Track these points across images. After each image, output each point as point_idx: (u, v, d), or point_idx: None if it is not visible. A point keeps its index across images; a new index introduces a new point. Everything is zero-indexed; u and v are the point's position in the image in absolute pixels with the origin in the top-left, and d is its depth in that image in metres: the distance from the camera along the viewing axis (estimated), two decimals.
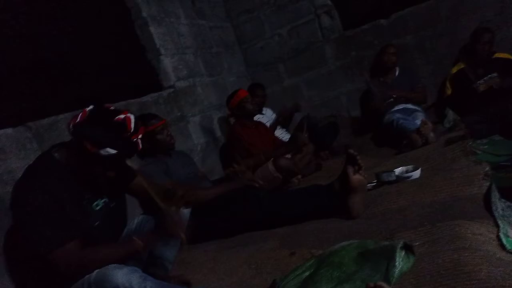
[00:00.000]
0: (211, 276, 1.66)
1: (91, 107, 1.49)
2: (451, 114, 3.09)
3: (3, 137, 1.78)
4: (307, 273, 1.38)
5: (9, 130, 1.80)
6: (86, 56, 3.18)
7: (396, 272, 1.22)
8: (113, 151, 1.43)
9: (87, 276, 1.32)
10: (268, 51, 4.26)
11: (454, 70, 3.38)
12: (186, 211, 1.83)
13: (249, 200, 2.10)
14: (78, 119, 1.46)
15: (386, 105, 3.33)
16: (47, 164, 1.46)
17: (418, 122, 2.87)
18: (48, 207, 1.36)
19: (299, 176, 2.82)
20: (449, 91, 3.42)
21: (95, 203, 1.54)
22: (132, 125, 1.47)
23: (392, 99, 3.35)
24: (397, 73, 3.56)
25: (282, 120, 3.64)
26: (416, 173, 2.14)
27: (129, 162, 1.66)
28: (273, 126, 3.54)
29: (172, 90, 3.07)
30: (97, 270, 1.31)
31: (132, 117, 1.48)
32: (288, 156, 2.90)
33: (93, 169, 1.48)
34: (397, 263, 1.23)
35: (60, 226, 1.36)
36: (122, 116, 1.46)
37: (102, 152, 1.42)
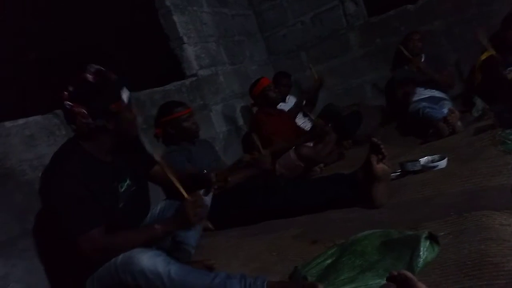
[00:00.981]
0: (233, 262, 1.69)
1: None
2: (479, 103, 2.99)
3: (33, 124, 1.84)
4: (329, 261, 1.38)
5: (38, 118, 1.86)
6: (111, 45, 3.24)
7: (420, 262, 1.20)
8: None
9: (113, 259, 1.37)
10: (290, 39, 4.21)
11: (483, 57, 3.26)
12: (207, 198, 1.85)
13: (271, 188, 2.11)
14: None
15: (412, 92, 3.24)
16: (73, 150, 1.51)
17: (445, 110, 2.80)
18: (74, 194, 1.40)
19: (321, 165, 2.81)
20: (478, 79, 3.30)
21: (120, 184, 1.58)
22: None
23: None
24: (422, 59, 3.46)
25: (306, 102, 3.57)
26: (443, 163, 2.09)
27: (152, 150, 1.68)
28: (295, 110, 3.49)
29: (194, 78, 3.09)
30: (122, 254, 1.36)
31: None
32: (310, 144, 2.88)
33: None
34: (421, 253, 1.21)
35: (86, 212, 1.40)
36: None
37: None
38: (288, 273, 1.44)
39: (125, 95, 1.50)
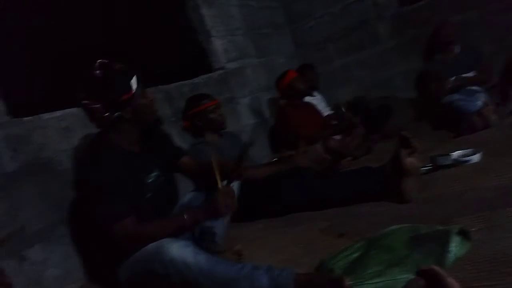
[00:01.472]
0: (260, 253, 1.70)
1: None
2: None
3: (68, 117, 1.91)
4: (355, 255, 1.37)
5: (74, 110, 1.93)
6: (140, 39, 3.30)
7: (451, 258, 1.18)
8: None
9: (144, 248, 1.41)
10: (318, 31, 4.16)
11: None
12: (235, 187, 1.88)
13: (298, 181, 2.11)
14: None
15: (446, 89, 3.13)
16: (101, 142, 1.57)
17: (480, 103, 2.70)
18: (108, 185, 1.45)
19: (349, 158, 2.78)
20: None
21: (148, 175, 1.63)
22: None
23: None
24: (457, 51, 3.34)
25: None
26: (476, 157, 2.02)
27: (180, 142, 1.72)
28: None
29: (222, 71, 3.11)
30: (153, 243, 1.40)
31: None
32: (338, 137, 2.86)
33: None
34: (451, 249, 1.19)
35: (118, 202, 1.45)
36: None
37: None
38: (314, 266, 1.44)
39: (134, 83, 1.54)
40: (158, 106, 1.76)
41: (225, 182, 1.64)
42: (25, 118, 1.75)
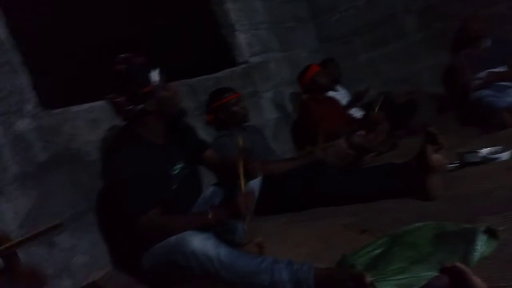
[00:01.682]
0: (281, 247, 1.71)
1: None
2: None
3: (96, 109, 1.97)
4: (378, 251, 1.36)
5: (101, 103, 1.97)
6: (165, 33, 3.35)
7: (476, 256, 1.15)
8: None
9: (167, 239, 1.45)
10: (343, 24, 4.10)
11: None
12: (256, 184, 1.89)
13: (320, 176, 2.10)
14: None
15: (475, 84, 3.04)
16: (127, 134, 1.61)
17: (510, 99, 2.61)
18: (134, 176, 1.49)
19: (373, 154, 2.74)
20: None
21: (173, 167, 1.66)
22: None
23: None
24: (487, 45, 3.22)
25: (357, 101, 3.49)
26: (506, 155, 1.96)
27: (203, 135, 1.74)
28: (348, 107, 3.43)
29: (245, 65, 3.12)
30: (175, 236, 1.43)
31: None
32: (362, 133, 2.82)
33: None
34: (477, 247, 1.16)
35: (144, 195, 1.49)
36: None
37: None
38: (336, 261, 1.44)
39: (155, 75, 1.57)
40: (181, 98, 1.78)
41: (247, 183, 1.66)
42: (56, 110, 1.81)
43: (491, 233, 1.23)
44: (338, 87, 3.66)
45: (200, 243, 1.36)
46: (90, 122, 1.93)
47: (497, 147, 2.05)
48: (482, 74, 3.05)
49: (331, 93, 3.35)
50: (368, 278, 1.12)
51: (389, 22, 3.88)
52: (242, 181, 1.60)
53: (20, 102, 1.68)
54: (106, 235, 1.87)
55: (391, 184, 1.90)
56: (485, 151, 2.03)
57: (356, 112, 3.45)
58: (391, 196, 1.90)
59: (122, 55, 1.54)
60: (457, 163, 2.07)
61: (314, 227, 1.84)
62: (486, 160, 1.99)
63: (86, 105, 1.94)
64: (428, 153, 1.77)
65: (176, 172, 1.67)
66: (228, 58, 3.13)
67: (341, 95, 3.57)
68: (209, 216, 1.51)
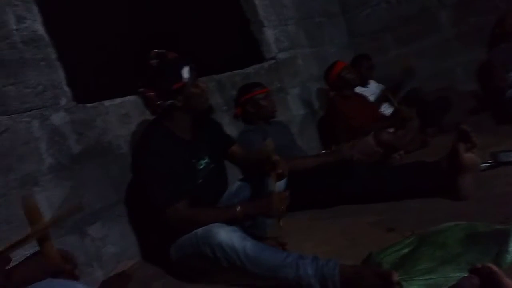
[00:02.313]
0: (306, 243, 1.71)
1: None
2: None
3: (127, 103, 2.02)
4: (406, 250, 1.33)
5: (132, 98, 2.03)
6: (194, 29, 3.39)
7: (509, 258, 1.11)
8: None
9: (194, 231, 1.47)
10: (374, 19, 4.01)
11: None
12: (281, 181, 1.89)
13: (347, 173, 2.07)
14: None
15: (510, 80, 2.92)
16: (156, 129, 1.64)
17: None
18: (162, 170, 1.53)
19: (402, 152, 2.68)
20: None
21: (199, 162, 1.68)
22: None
23: None
24: None
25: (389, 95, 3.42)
26: None
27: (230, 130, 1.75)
28: (378, 102, 3.36)
29: (273, 61, 3.12)
30: (202, 228, 1.45)
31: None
32: (391, 130, 2.76)
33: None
34: (510, 249, 1.12)
35: (172, 187, 1.52)
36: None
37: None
38: (361, 259, 1.43)
39: (186, 72, 1.59)
40: (210, 95, 1.80)
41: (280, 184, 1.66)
42: (89, 104, 1.88)
43: None
44: (371, 82, 3.57)
45: (227, 235, 1.38)
46: (121, 116, 1.98)
47: None
48: None
49: (359, 90, 3.29)
50: (396, 277, 1.10)
51: (422, 17, 3.77)
52: (274, 181, 1.61)
53: (55, 96, 1.75)
54: (135, 226, 1.92)
55: (421, 183, 1.86)
56: None
57: (386, 109, 3.38)
58: (420, 195, 1.85)
59: (157, 51, 1.58)
60: (490, 163, 1.99)
61: (340, 225, 1.82)
62: None
63: (118, 100, 1.99)
64: (460, 152, 1.72)
65: (202, 167, 1.69)
66: (256, 54, 3.13)
67: (370, 92, 3.50)
68: (237, 210, 1.52)
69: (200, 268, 1.54)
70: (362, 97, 3.18)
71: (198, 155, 1.70)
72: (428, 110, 3.12)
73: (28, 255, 1.00)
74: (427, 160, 2.01)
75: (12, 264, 0.89)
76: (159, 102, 1.58)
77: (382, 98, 3.33)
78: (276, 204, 1.51)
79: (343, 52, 3.92)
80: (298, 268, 1.29)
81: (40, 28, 1.74)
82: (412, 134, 2.87)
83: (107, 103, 1.95)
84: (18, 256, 0.97)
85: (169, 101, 1.58)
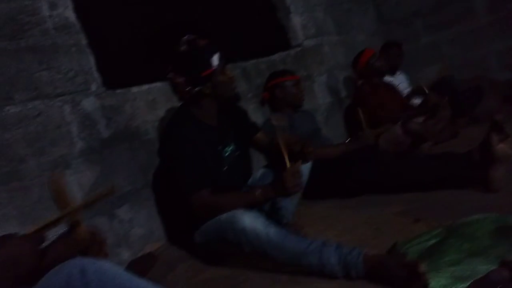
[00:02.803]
0: (330, 231, 1.70)
1: None
2: None
3: (155, 90, 2.05)
4: (432, 241, 1.31)
5: (159, 84, 2.06)
6: (219, 16, 3.38)
7: None
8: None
9: (218, 216, 1.49)
10: (404, 5, 3.89)
11: None
12: (306, 167, 1.88)
13: (372, 162, 2.04)
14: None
15: None
16: (183, 115, 1.66)
17: None
18: (189, 156, 1.55)
19: (430, 143, 2.61)
20: None
21: (225, 149, 1.70)
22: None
23: None
24: None
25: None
26: None
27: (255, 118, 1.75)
28: (411, 93, 3.27)
29: (299, 49, 3.08)
30: (226, 213, 1.47)
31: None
32: (420, 120, 2.69)
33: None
34: None
35: (198, 174, 1.54)
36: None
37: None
38: (386, 249, 1.41)
39: (216, 59, 1.59)
40: (236, 83, 1.80)
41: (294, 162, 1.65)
42: (118, 90, 1.92)
43: None
44: (397, 72, 3.50)
45: (250, 221, 1.39)
46: (148, 102, 2.02)
47: None
48: None
49: (388, 79, 3.22)
50: (422, 268, 1.08)
51: (456, 3, 3.62)
52: (286, 158, 1.59)
53: (86, 82, 1.79)
54: (161, 210, 1.96)
55: (450, 174, 1.81)
56: None
57: (416, 99, 3.29)
58: (449, 186, 1.81)
59: (187, 37, 1.59)
60: None
61: (364, 214, 1.80)
62: None
63: (145, 86, 2.03)
64: (493, 143, 1.66)
65: (227, 154, 1.71)
66: (282, 41, 3.10)
67: (398, 80, 3.42)
68: (257, 193, 1.53)
69: (223, 252, 1.56)
70: (391, 86, 3.11)
71: (224, 142, 1.71)
72: (460, 99, 3.02)
73: (59, 234, 1.05)
74: (457, 151, 1.95)
75: (45, 243, 0.92)
76: (187, 88, 1.59)
77: (416, 90, 3.23)
78: (290, 180, 1.50)
79: (372, 39, 3.83)
80: (322, 255, 1.29)
81: (71, 15, 1.78)
82: (442, 124, 2.78)
83: (135, 89, 1.99)
84: (50, 235, 1.02)
85: (198, 88, 1.59)
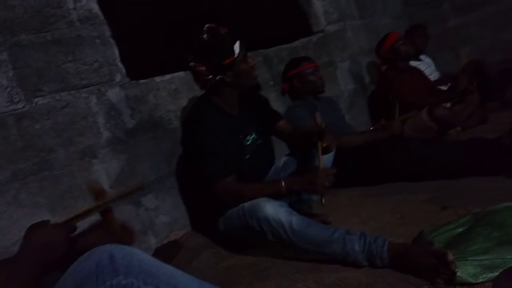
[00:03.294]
0: (354, 219, 1.69)
1: None
2: None
3: (177, 80, 2.06)
4: (460, 229, 1.28)
5: (181, 74, 2.07)
6: (242, 3, 3.35)
7: None
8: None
9: (241, 205, 1.51)
10: None
11: None
12: (330, 155, 1.86)
13: (398, 149, 2.00)
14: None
15: None
16: (205, 104, 1.67)
17: None
18: (211, 144, 1.56)
19: (458, 128, 2.54)
20: None
21: (247, 138, 1.70)
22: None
23: None
24: None
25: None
26: None
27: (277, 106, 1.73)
28: (441, 79, 3.17)
29: (321, 34, 3.02)
30: (250, 201, 1.48)
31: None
32: (447, 105, 2.61)
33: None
34: None
35: (221, 162, 1.55)
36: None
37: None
38: (412, 237, 1.39)
39: (237, 48, 1.58)
40: (258, 71, 1.79)
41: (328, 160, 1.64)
42: (142, 81, 1.94)
43: None
44: (422, 56, 3.39)
45: (273, 209, 1.40)
46: (171, 92, 2.04)
47: None
48: None
49: (413, 63, 3.13)
50: (450, 256, 1.06)
51: None
52: (320, 158, 1.59)
53: (110, 73, 1.82)
54: (185, 198, 2.00)
55: (479, 160, 1.76)
56: None
57: (444, 84, 3.19)
58: (477, 173, 1.76)
59: (209, 25, 1.59)
60: None
61: (389, 202, 1.77)
62: None
63: (168, 76, 2.04)
64: None
65: (249, 142, 1.71)
66: (304, 27, 3.05)
67: (425, 65, 3.32)
68: (282, 185, 1.53)
69: (247, 240, 1.58)
70: (417, 71, 3.03)
71: (245, 131, 1.71)
72: (490, 83, 2.91)
73: (91, 224, 1.08)
74: (486, 136, 1.89)
75: (77, 232, 0.96)
76: (209, 77, 1.59)
77: (443, 74, 3.12)
78: (320, 180, 1.49)
79: (396, 23, 3.71)
80: (345, 243, 1.29)
81: (95, 6, 1.80)
82: (471, 109, 2.70)
83: (158, 79, 2.00)
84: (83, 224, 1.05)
85: (219, 76, 1.59)
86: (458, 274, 1.05)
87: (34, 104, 1.58)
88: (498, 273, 1.03)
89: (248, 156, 1.69)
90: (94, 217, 1.03)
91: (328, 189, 1.52)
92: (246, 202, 1.49)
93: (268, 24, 3.05)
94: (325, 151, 1.66)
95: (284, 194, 1.55)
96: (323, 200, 1.55)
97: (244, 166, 1.65)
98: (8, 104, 1.51)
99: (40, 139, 1.58)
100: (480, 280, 1.05)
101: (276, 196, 1.53)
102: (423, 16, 3.76)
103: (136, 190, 1.05)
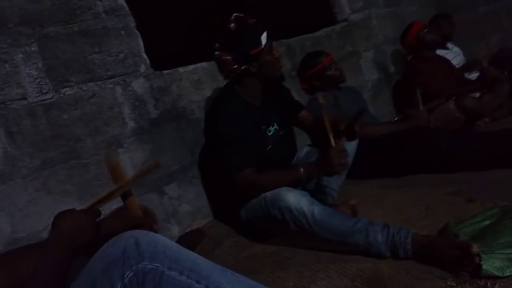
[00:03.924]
0: (376, 211, 1.67)
1: None
2: None
3: (200, 70, 2.08)
4: (487, 222, 1.25)
5: (204, 64, 2.08)
6: None
7: None
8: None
9: (263, 194, 1.51)
10: None
11: None
12: (352, 146, 1.84)
13: (424, 140, 1.96)
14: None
15: None
16: (228, 94, 1.67)
17: None
18: (233, 135, 1.57)
19: (487, 119, 2.46)
20: None
21: (269, 128, 1.70)
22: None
23: None
24: None
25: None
26: None
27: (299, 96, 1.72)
28: (467, 67, 3.06)
29: (345, 23, 2.97)
30: (271, 191, 1.48)
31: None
32: (476, 95, 2.53)
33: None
34: None
35: (242, 153, 1.56)
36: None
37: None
38: (436, 229, 1.37)
39: (264, 39, 1.57)
40: (282, 63, 1.78)
41: (340, 141, 1.63)
42: (165, 71, 1.96)
43: None
44: (449, 45, 3.29)
45: (295, 199, 1.40)
46: (194, 82, 2.05)
47: None
48: None
49: (440, 52, 3.03)
50: (476, 249, 1.04)
51: None
52: (331, 137, 1.57)
53: (135, 64, 1.85)
54: (208, 188, 2.02)
55: (507, 152, 1.70)
56: None
57: (473, 73, 3.08)
58: (506, 166, 1.70)
59: (236, 15, 1.58)
60: None
61: (413, 194, 1.74)
62: None
63: (191, 67, 2.06)
64: None
65: (271, 133, 1.71)
66: (328, 16, 3.00)
67: (452, 54, 3.21)
68: (301, 171, 1.53)
69: (269, 229, 1.59)
70: (444, 60, 2.94)
71: (268, 122, 1.71)
72: None
73: (114, 209, 1.11)
74: None
75: (102, 217, 0.99)
76: (234, 67, 1.59)
77: (472, 63, 3.00)
78: (335, 158, 1.49)
79: (423, 11, 3.60)
80: (368, 234, 1.28)
81: None
82: (500, 100, 2.61)
83: (181, 69, 2.02)
84: (106, 210, 1.08)
85: (244, 66, 1.59)
86: (484, 267, 1.03)
87: (62, 95, 1.62)
88: None
89: (270, 147, 1.69)
90: (117, 203, 1.05)
91: (346, 165, 1.53)
92: (266, 192, 1.50)
93: (291, 13, 3.02)
94: (349, 138, 1.64)
95: (304, 181, 1.56)
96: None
97: (266, 157, 1.66)
98: (38, 94, 1.56)
99: (68, 129, 1.62)
100: (507, 274, 1.03)
101: (296, 183, 1.54)
102: (451, 3, 3.63)
103: (152, 169, 1.07)
